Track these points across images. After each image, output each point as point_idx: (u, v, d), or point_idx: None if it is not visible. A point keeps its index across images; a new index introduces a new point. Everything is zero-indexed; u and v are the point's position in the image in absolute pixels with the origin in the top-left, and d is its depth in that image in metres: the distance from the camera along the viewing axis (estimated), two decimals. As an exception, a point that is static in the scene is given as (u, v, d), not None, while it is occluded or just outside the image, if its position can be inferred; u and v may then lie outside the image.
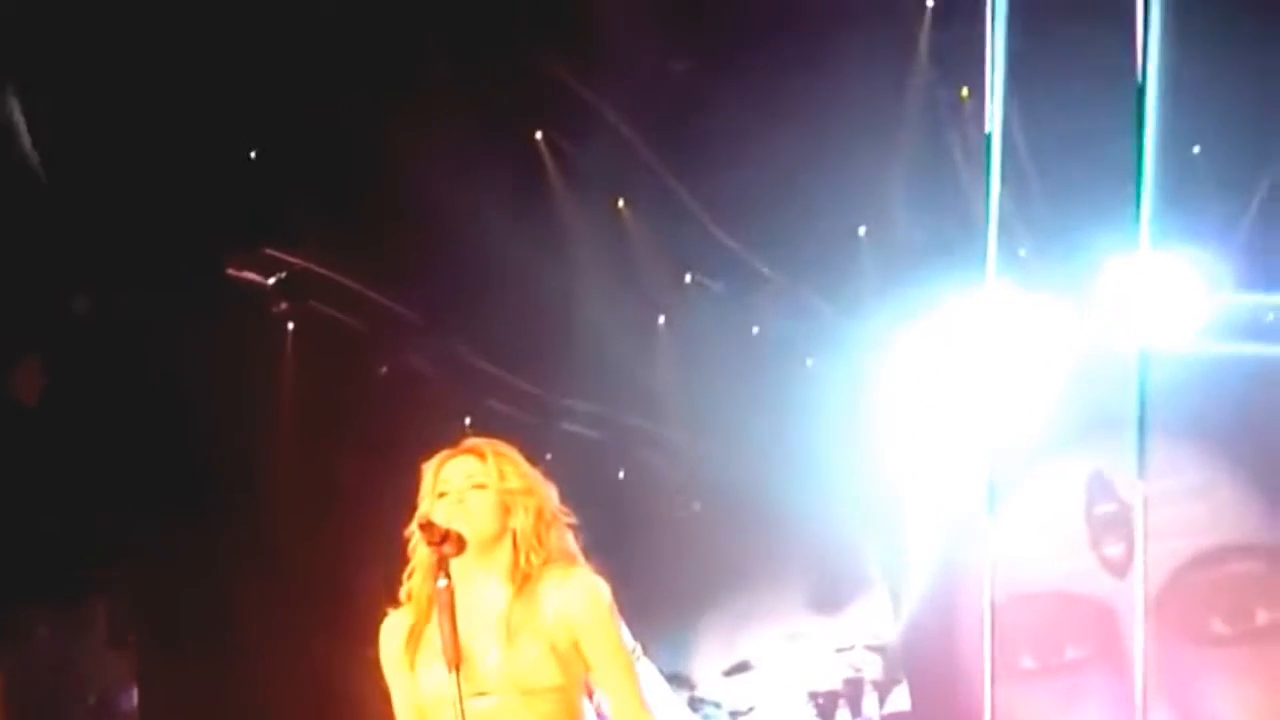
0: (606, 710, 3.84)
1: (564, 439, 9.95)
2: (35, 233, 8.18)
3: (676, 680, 10.05)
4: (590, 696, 3.82)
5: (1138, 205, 7.27)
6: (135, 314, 8.77)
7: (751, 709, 10.64)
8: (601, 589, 3.74)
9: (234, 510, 9.12)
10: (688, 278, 10.02)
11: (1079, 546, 9.70)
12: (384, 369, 10.04)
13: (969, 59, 8.10)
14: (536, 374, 9.99)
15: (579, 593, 3.71)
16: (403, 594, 3.78)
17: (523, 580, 3.71)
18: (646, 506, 10.53)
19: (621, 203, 9.55)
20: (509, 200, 9.02)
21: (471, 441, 3.84)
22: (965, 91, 8.63)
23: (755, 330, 10.25)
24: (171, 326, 8.66)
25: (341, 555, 8.90)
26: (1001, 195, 8.15)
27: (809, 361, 10.24)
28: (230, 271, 9.24)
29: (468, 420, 8.85)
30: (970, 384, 9.14)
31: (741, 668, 10.79)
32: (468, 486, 3.72)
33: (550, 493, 3.82)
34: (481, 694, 3.62)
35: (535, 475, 3.82)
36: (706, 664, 10.78)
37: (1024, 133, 8.36)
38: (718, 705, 10.46)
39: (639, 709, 3.76)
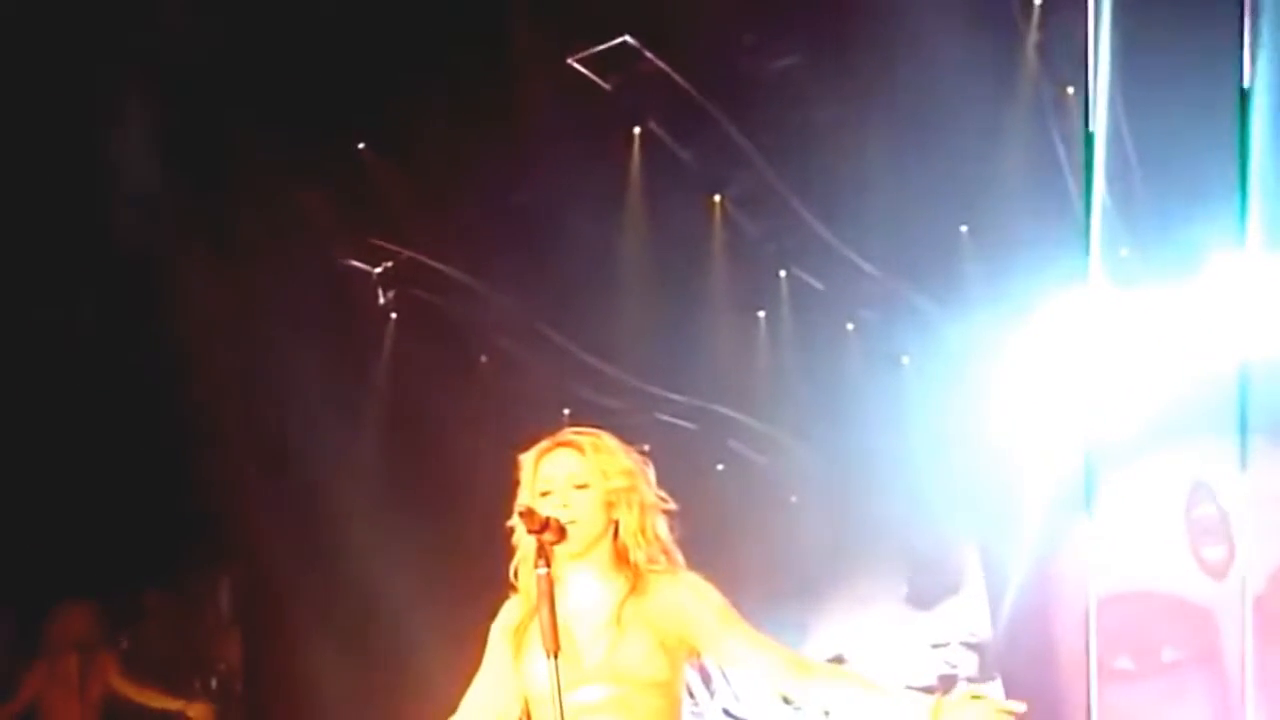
0: (763, 684, 3.78)
1: (662, 430, 9.99)
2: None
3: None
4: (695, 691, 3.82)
5: (1243, 204, 7.21)
6: (244, 305, 8.92)
7: (845, 703, 10.61)
8: (710, 587, 3.76)
9: (340, 500, 9.25)
10: (782, 273, 10.04)
11: (1178, 548, 9.61)
12: (484, 358, 10.16)
13: (1073, 55, 8.07)
14: (635, 365, 10.04)
15: (689, 589, 3.73)
16: (517, 583, 3.77)
17: (632, 575, 3.72)
18: (744, 499, 10.55)
19: (718, 197, 9.58)
20: (609, 194, 9.09)
21: (568, 433, 3.81)
22: (1069, 89, 8.57)
23: (850, 327, 10.25)
24: (281, 318, 8.80)
25: (445, 543, 9.01)
26: (1104, 193, 8.10)
27: (904, 359, 10.21)
28: (339, 260, 9.39)
29: (566, 410, 8.92)
30: (1070, 383, 9.09)
31: (835, 661, 10.79)
32: (570, 487, 3.71)
33: (648, 476, 3.81)
34: (587, 685, 3.63)
35: (634, 463, 3.79)
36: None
37: (1128, 129, 8.29)
38: None
39: (797, 660, 3.76)
